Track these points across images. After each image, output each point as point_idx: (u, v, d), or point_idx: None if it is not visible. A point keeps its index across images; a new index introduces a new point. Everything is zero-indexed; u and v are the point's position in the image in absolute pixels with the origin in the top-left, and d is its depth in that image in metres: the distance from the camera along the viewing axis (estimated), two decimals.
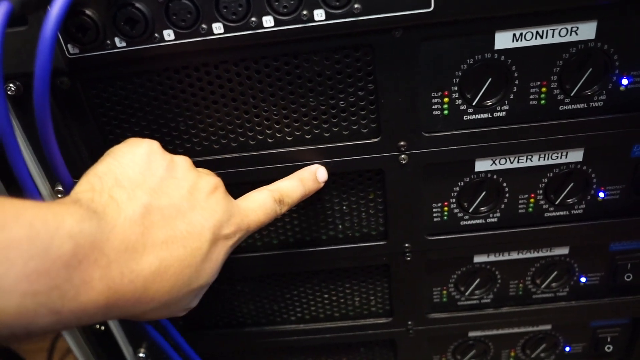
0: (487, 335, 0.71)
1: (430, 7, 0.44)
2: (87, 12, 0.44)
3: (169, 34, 0.46)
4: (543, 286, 0.66)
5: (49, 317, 0.32)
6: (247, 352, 0.74)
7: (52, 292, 0.31)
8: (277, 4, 0.44)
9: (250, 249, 0.62)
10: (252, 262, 0.62)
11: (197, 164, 0.54)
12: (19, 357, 1.21)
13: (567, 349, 0.73)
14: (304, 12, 0.44)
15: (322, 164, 0.54)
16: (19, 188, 0.44)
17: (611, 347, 0.71)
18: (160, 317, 0.42)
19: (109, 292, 0.35)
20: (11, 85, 0.49)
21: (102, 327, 0.67)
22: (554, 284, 0.66)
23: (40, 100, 0.41)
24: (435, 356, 0.73)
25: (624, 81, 0.51)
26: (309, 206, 0.59)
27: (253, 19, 0.45)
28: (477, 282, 0.65)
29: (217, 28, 0.45)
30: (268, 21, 0.45)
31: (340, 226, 0.61)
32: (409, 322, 0.68)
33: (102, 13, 0.45)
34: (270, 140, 0.54)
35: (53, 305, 0.32)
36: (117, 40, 0.46)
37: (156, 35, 0.46)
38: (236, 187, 0.57)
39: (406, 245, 0.61)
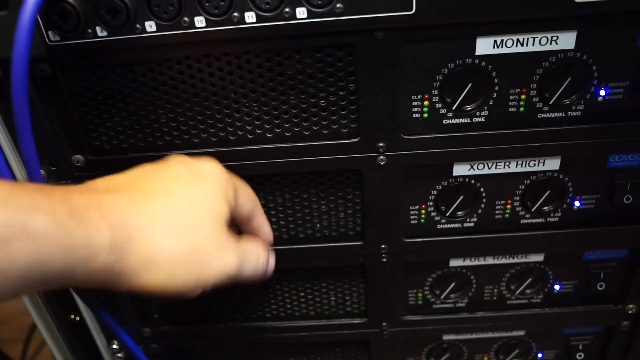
0: (461, 339, 0.71)
1: (412, 9, 0.45)
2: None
3: (150, 26, 0.46)
4: (517, 292, 0.66)
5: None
6: (222, 347, 0.74)
7: None
8: (261, 0, 0.44)
9: None
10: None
11: None
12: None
13: (540, 355, 0.73)
14: (287, 10, 0.44)
15: (300, 162, 0.55)
16: None
17: (582, 355, 0.71)
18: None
19: None
20: None
21: (77, 318, 0.67)
22: (528, 291, 0.66)
23: (18, 86, 0.40)
24: (409, 358, 0.74)
25: (602, 92, 0.52)
26: (286, 204, 0.59)
27: (235, 14, 0.45)
28: (452, 285, 0.66)
29: (199, 22, 0.45)
30: (250, 17, 0.45)
31: (317, 225, 0.61)
32: (384, 324, 0.68)
33: (83, 1, 0.44)
34: (250, 137, 0.54)
35: None
36: (98, 29, 0.46)
37: (138, 26, 0.46)
38: None
39: (383, 246, 0.61)
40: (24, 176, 0.55)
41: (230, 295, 0.68)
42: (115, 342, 0.68)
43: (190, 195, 0.43)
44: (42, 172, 0.55)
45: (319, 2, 0.44)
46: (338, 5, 0.44)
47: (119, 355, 0.69)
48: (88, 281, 0.37)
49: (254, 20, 0.45)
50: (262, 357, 0.74)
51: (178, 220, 0.42)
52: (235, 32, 0.46)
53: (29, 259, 0.32)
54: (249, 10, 0.45)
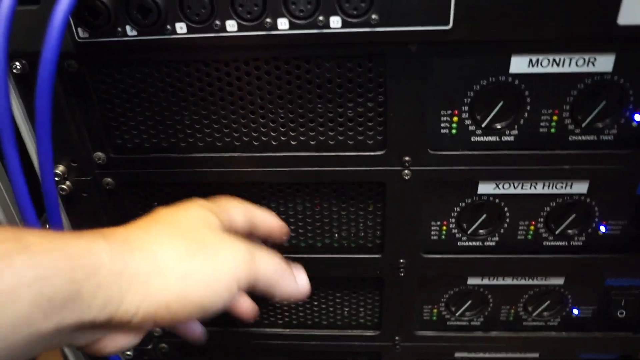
0: (473, 357, 0.70)
1: (449, 24, 0.44)
2: None
3: (181, 27, 0.45)
4: (535, 314, 0.65)
5: None
6: (231, 351, 0.73)
7: None
8: (293, 7, 0.43)
9: None
10: None
11: (198, 160, 0.54)
12: None
13: None
14: (320, 18, 0.44)
15: (323, 172, 0.54)
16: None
17: None
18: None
19: None
20: (17, 63, 0.48)
21: None
22: (545, 313, 0.65)
23: (44, 82, 0.40)
24: None
25: (637, 117, 0.51)
26: (306, 212, 0.59)
27: (268, 19, 0.44)
28: (468, 303, 0.65)
29: (231, 26, 0.44)
30: (283, 23, 0.44)
31: (336, 235, 0.60)
32: (397, 338, 0.67)
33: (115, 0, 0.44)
34: (274, 143, 0.54)
35: None
36: (128, 28, 0.45)
37: (168, 27, 0.45)
38: (236, 187, 0.57)
39: (401, 260, 0.60)
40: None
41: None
42: None
43: (180, 223, 0.42)
44: (63, 167, 0.54)
45: (354, 12, 0.43)
46: (373, 17, 0.43)
47: (128, 352, 0.69)
48: (100, 305, 0.33)
49: (287, 27, 0.44)
50: None
51: (172, 228, 0.40)
52: (266, 38, 0.45)
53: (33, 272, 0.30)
54: (282, 16, 0.44)
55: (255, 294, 0.44)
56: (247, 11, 0.44)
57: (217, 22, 0.44)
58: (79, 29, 0.46)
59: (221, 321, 0.69)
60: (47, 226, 0.63)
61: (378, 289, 0.64)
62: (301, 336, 0.68)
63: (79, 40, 0.46)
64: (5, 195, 0.57)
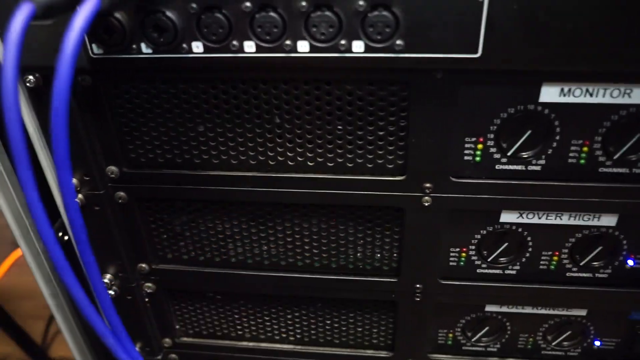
0: None
1: (477, 53, 0.41)
2: (116, 14, 0.42)
3: (197, 46, 0.43)
4: (554, 344, 0.63)
5: None
6: None
7: None
8: (314, 29, 0.41)
9: (256, 268, 0.60)
10: (256, 279, 0.60)
11: (212, 178, 0.53)
12: (17, 325, 1.22)
13: None
14: (342, 42, 0.42)
15: (341, 194, 0.52)
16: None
17: None
18: None
19: None
20: (30, 77, 0.47)
21: (66, 237, 0.63)
22: (565, 343, 0.63)
23: (59, 96, 0.38)
24: None
25: None
26: (321, 234, 0.57)
27: (288, 42, 0.42)
28: (485, 330, 0.63)
29: (249, 47, 0.43)
30: (303, 46, 0.42)
31: (351, 257, 0.58)
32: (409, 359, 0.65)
33: (130, 17, 0.42)
34: (290, 163, 0.52)
35: None
36: (143, 45, 0.44)
37: (184, 45, 0.43)
38: (250, 206, 0.55)
39: (417, 285, 0.58)
40: (56, 183, 0.53)
41: (253, 314, 0.66)
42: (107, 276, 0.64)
43: None
44: (75, 180, 0.53)
45: (379, 37, 0.41)
46: (398, 42, 0.41)
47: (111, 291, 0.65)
48: None
49: (307, 49, 0.42)
50: None
51: None
52: (285, 60, 0.43)
53: None
54: (303, 39, 0.42)
55: None
56: (266, 32, 0.42)
57: (235, 42, 0.43)
58: (94, 45, 0.44)
59: (232, 336, 0.68)
60: (60, 234, 0.62)
61: (392, 311, 0.63)
62: (312, 354, 0.67)
63: (93, 56, 0.45)
64: (17, 202, 0.56)
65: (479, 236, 0.55)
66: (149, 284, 0.63)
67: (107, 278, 0.61)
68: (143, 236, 0.59)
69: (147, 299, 0.64)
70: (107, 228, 0.57)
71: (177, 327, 0.68)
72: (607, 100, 0.46)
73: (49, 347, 1.35)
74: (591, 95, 0.46)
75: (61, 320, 0.67)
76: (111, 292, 0.61)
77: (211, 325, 0.68)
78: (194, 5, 0.41)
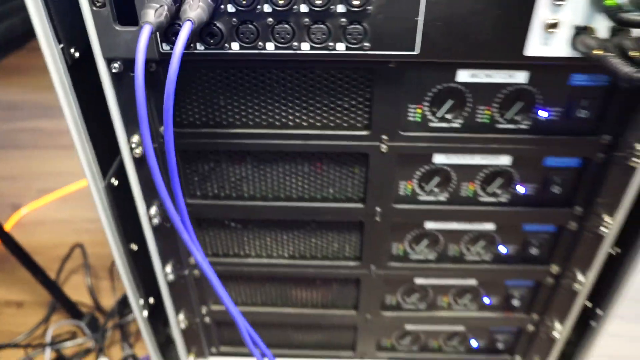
0: (430, 284, 0.95)
1: (415, 51, 0.65)
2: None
3: (235, 46, 0.66)
4: (472, 251, 0.89)
5: None
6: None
7: None
8: (313, 36, 0.64)
9: (262, 199, 0.84)
10: (262, 209, 0.84)
11: (233, 135, 0.76)
12: (38, 265, 1.39)
13: (487, 300, 0.97)
14: (330, 44, 0.65)
15: (326, 145, 0.76)
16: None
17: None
18: None
19: None
20: (116, 64, 0.68)
21: (116, 182, 0.83)
22: (480, 250, 0.89)
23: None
24: (388, 295, 0.97)
25: (544, 114, 0.74)
26: (311, 174, 0.81)
27: (295, 43, 0.65)
28: (425, 243, 0.89)
29: (270, 46, 0.65)
30: (305, 46, 0.65)
31: (332, 190, 0.83)
32: (372, 266, 0.91)
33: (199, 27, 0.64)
34: (290, 123, 0.76)
35: None
36: (198, 44, 0.66)
37: (226, 45, 0.66)
38: (260, 154, 0.79)
39: (377, 209, 0.83)
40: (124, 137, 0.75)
41: (259, 236, 0.90)
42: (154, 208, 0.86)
43: None
44: (137, 137, 0.75)
45: (354, 42, 0.64)
46: (366, 44, 0.65)
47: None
48: None
49: (308, 49, 0.65)
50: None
51: None
52: (294, 55, 0.66)
53: None
54: (305, 41, 0.65)
55: None
56: (281, 37, 0.65)
57: (260, 43, 0.65)
58: (163, 44, 0.66)
59: (240, 254, 0.92)
60: (113, 179, 0.84)
61: (360, 230, 0.88)
62: (302, 265, 0.92)
63: (161, 51, 0.67)
64: (87, 151, 0.77)
65: (419, 172, 0.80)
66: None
67: (154, 210, 0.83)
68: (180, 178, 0.82)
69: None
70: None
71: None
72: (500, 80, 0.71)
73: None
74: (489, 77, 0.70)
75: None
76: (156, 220, 0.84)
77: (225, 247, 0.92)
78: (234, 19, 0.63)
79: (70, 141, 0.74)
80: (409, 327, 1.03)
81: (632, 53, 0.58)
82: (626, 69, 0.55)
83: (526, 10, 0.61)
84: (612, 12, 0.57)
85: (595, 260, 0.87)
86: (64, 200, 1.89)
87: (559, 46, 0.63)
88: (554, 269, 0.91)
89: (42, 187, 1.92)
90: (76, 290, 1.51)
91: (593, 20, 0.61)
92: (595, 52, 0.59)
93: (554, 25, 0.61)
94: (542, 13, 0.61)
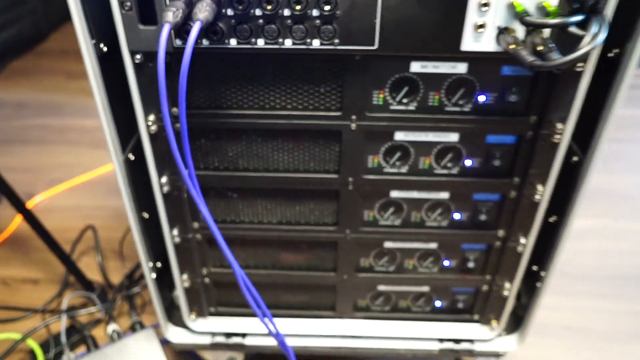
0: (397, 247, 1.12)
1: (375, 46, 0.83)
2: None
3: (233, 41, 0.83)
4: (431, 217, 1.07)
5: None
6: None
7: None
8: (295, 34, 0.82)
9: (254, 170, 1.01)
10: (254, 179, 1.01)
11: (229, 116, 0.93)
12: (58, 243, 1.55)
13: (447, 262, 1.15)
14: (308, 40, 0.82)
15: (306, 124, 0.93)
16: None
17: (474, 265, 1.12)
18: None
19: None
20: (138, 56, 0.85)
21: (133, 157, 1.02)
22: (438, 217, 1.07)
23: (183, 71, 0.77)
24: (362, 258, 1.14)
25: (482, 98, 0.91)
26: (294, 149, 0.98)
27: (280, 39, 0.82)
28: (392, 210, 1.06)
29: (260, 42, 0.83)
30: (288, 42, 0.82)
31: (312, 163, 1.00)
32: (347, 230, 1.08)
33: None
34: (277, 106, 0.93)
35: None
36: (204, 40, 0.83)
37: (226, 41, 0.83)
38: (256, 131, 0.96)
39: (350, 179, 1.00)
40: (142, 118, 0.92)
41: (254, 205, 1.07)
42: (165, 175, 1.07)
43: None
44: (153, 116, 0.92)
45: (326, 39, 0.82)
46: (336, 41, 0.82)
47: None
48: None
49: (291, 44, 0.83)
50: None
51: None
52: (279, 50, 0.84)
53: None
54: (288, 38, 0.82)
55: None
56: (269, 35, 0.82)
57: (253, 40, 0.83)
58: (177, 39, 0.83)
59: (236, 222, 1.09)
60: (130, 154, 1.01)
61: (335, 199, 1.05)
62: (291, 230, 1.09)
63: (175, 46, 0.84)
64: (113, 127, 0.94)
65: (383, 148, 0.98)
66: None
67: (164, 179, 1.00)
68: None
69: (185, 195, 1.04)
70: (167, 148, 0.96)
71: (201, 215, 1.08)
72: (446, 70, 0.88)
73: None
74: (437, 68, 0.88)
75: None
76: (166, 188, 1.01)
77: (223, 214, 1.09)
78: (233, 21, 0.81)
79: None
80: (381, 287, 1.20)
81: (539, 48, 0.76)
82: (529, 59, 0.73)
83: (460, 14, 0.78)
84: (520, 16, 0.75)
85: (533, 224, 1.04)
86: (72, 190, 2.05)
87: (487, 43, 0.81)
88: (501, 233, 1.08)
89: (53, 178, 2.08)
90: (86, 269, 1.66)
91: (512, 23, 0.79)
92: (511, 47, 0.77)
93: (482, 26, 0.79)
94: (472, 16, 0.78)
